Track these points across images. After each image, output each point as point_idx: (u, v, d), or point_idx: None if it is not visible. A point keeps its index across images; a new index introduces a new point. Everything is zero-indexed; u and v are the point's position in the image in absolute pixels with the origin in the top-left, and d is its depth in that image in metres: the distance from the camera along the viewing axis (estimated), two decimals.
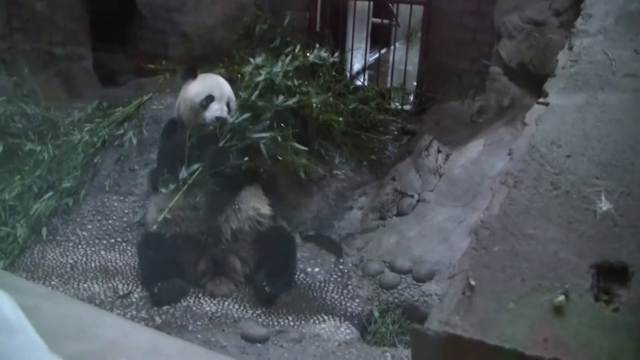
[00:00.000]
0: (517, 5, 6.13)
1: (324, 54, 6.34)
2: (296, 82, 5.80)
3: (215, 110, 5.18)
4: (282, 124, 5.47)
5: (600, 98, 3.06)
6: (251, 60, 5.94)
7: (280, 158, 5.35)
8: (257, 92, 5.43)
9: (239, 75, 5.83)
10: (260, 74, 5.62)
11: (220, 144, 5.11)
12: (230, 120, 5.19)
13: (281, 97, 5.47)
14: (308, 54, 6.24)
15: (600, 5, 4.01)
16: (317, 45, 6.57)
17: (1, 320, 1.04)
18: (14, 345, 1.03)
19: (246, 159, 5.13)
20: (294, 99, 5.57)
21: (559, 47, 4.14)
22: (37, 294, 2.39)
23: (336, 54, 6.55)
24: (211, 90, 5.27)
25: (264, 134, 5.20)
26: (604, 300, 2.04)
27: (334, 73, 6.72)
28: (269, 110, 5.36)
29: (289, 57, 6.02)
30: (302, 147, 5.49)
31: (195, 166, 5.02)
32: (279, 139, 5.30)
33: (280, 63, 5.83)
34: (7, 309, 1.07)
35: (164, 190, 5.07)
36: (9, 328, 1.04)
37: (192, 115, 5.25)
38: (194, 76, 5.43)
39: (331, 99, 6.30)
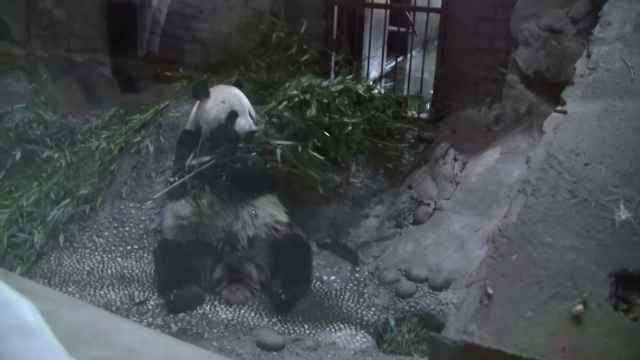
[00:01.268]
0: (534, 12, 6.11)
1: (371, 86, 6.41)
2: (337, 102, 5.84)
3: (244, 125, 5.21)
4: (309, 137, 5.50)
5: (619, 106, 3.04)
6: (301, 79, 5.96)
7: (297, 166, 5.36)
8: (285, 104, 5.47)
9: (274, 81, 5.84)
10: (297, 90, 5.65)
11: (240, 145, 5.15)
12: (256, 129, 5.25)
13: (313, 112, 5.49)
14: (356, 82, 6.30)
15: (619, 12, 3.99)
16: (371, 81, 6.65)
17: (21, 324, 1.05)
18: (34, 349, 1.04)
19: (254, 153, 5.15)
20: (325, 117, 5.59)
21: (576, 54, 4.13)
22: (54, 299, 2.39)
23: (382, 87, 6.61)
24: (232, 106, 5.28)
25: (284, 142, 5.21)
26: (622, 310, 2.02)
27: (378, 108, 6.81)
28: (297, 123, 5.38)
29: (336, 79, 6.07)
30: (320, 157, 5.48)
31: (206, 158, 5.04)
32: (299, 149, 5.30)
33: (325, 83, 5.88)
34: (28, 313, 1.08)
35: (171, 179, 5.13)
36: (29, 332, 1.05)
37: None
38: (206, 92, 5.42)
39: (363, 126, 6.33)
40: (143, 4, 8.06)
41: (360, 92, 6.23)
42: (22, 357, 1.00)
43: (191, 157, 5.07)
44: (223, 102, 5.31)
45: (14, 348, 1.00)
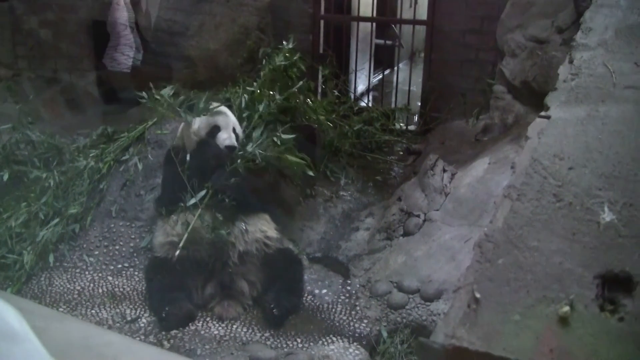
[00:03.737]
0: (520, 23, 6.16)
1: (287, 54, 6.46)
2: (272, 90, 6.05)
3: (224, 139, 5.21)
4: (273, 127, 5.67)
5: (602, 110, 3.06)
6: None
7: (279, 158, 5.47)
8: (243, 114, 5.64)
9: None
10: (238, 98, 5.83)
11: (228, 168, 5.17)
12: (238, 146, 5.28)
13: (263, 105, 5.64)
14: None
15: (600, 18, 4.03)
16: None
17: (6, 329, 1.06)
18: (19, 353, 1.05)
19: (243, 164, 5.23)
20: (277, 99, 5.82)
21: (562, 64, 4.16)
22: (45, 315, 2.39)
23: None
24: (215, 121, 5.30)
25: (257, 143, 5.28)
26: (609, 310, 2.04)
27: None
28: (257, 123, 5.50)
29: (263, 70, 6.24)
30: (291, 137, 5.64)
31: (202, 193, 5.05)
32: (275, 140, 5.43)
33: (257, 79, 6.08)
34: (13, 319, 1.08)
35: (174, 217, 5.14)
36: (14, 337, 1.06)
37: None
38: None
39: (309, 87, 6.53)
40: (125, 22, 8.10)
41: (282, 63, 6.34)
42: None
43: (189, 197, 5.09)
44: (206, 117, 5.33)
45: (0, 352, 1.01)
